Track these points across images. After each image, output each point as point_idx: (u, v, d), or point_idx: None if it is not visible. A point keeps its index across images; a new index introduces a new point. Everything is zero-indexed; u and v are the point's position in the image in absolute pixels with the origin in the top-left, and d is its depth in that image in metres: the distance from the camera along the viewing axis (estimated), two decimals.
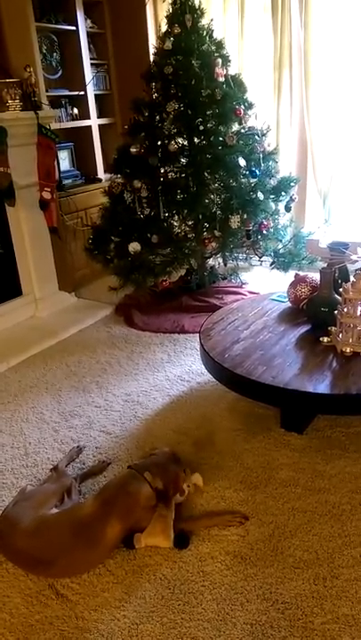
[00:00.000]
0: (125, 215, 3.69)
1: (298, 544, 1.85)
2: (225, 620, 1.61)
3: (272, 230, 3.81)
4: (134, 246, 3.55)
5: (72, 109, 4.47)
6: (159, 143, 3.63)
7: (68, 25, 4.23)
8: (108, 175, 4.26)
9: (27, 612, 1.68)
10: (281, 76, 4.26)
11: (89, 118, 4.55)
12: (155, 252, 3.66)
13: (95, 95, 4.60)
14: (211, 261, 4.27)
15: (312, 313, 2.63)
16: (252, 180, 3.67)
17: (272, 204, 3.80)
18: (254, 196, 3.61)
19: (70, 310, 4.07)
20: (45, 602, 1.71)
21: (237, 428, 2.50)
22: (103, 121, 4.75)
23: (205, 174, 3.62)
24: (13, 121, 3.46)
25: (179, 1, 3.52)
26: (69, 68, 4.43)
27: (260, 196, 3.63)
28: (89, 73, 4.45)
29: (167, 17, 3.60)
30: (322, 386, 2.17)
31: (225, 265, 4.38)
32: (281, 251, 3.93)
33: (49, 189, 3.71)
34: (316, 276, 2.72)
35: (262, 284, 4.24)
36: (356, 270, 2.47)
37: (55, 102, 4.28)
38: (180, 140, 3.61)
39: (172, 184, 3.62)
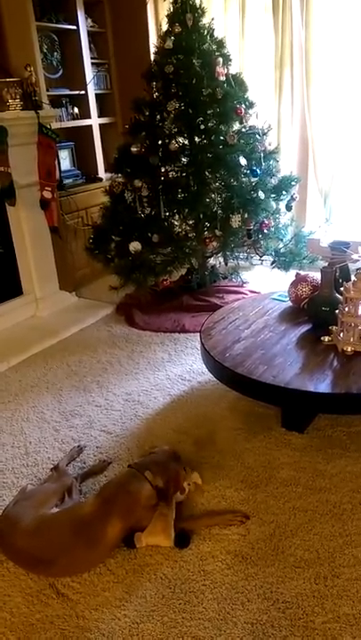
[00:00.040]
0: (126, 214, 3.69)
1: (299, 543, 1.85)
2: (226, 619, 1.61)
3: (273, 229, 3.81)
4: (135, 245, 3.55)
5: (73, 109, 4.47)
6: (160, 142, 3.63)
7: (69, 24, 4.23)
8: (109, 174, 4.26)
9: (27, 612, 1.68)
10: (282, 75, 4.25)
11: (89, 118, 4.54)
12: (155, 251, 3.66)
13: (96, 94, 4.60)
14: (211, 261, 4.27)
15: (313, 312, 2.62)
16: (253, 180, 3.67)
17: (273, 204, 3.80)
18: (255, 195, 3.60)
19: (71, 310, 4.07)
20: (46, 601, 1.71)
21: (238, 428, 2.50)
22: (104, 120, 4.75)
23: (206, 173, 3.62)
24: (14, 120, 3.45)
25: (179, 0, 3.51)
26: (70, 67, 4.43)
27: (261, 195, 3.62)
28: (89, 72, 4.45)
29: (168, 16, 3.60)
30: (323, 385, 2.17)
31: (226, 264, 4.38)
32: (282, 250, 3.93)
33: (49, 189, 3.71)
34: (317, 276, 2.72)
35: (263, 284, 4.24)
36: (357, 269, 2.46)
37: (56, 102, 4.28)
38: (180, 140, 3.60)
39: (173, 183, 3.62)
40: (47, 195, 3.70)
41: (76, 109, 4.48)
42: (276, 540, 1.87)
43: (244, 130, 3.71)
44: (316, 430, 2.44)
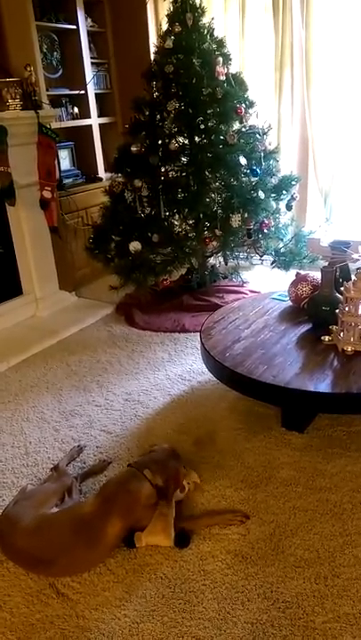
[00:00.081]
0: (126, 214, 3.69)
1: (299, 543, 1.85)
2: (226, 618, 1.61)
3: (273, 229, 3.81)
4: (135, 245, 3.55)
5: (72, 108, 4.47)
6: (160, 142, 3.63)
7: (69, 24, 4.23)
8: (109, 174, 4.26)
9: (27, 612, 1.68)
10: (282, 76, 4.25)
11: (89, 117, 4.54)
12: (155, 251, 3.66)
13: (96, 94, 4.60)
14: (212, 260, 4.26)
15: (313, 312, 2.62)
16: (253, 179, 3.67)
17: (273, 203, 3.80)
18: (255, 194, 3.60)
19: (71, 309, 4.07)
20: (46, 601, 1.71)
21: (238, 427, 2.50)
22: (104, 120, 4.75)
23: (206, 173, 3.62)
24: (14, 120, 3.45)
25: (179, 0, 3.51)
26: (70, 67, 4.42)
27: (261, 194, 3.62)
28: (89, 72, 4.45)
29: (168, 15, 3.60)
30: (323, 385, 2.16)
31: (226, 264, 4.38)
32: (282, 249, 3.93)
33: (49, 189, 3.71)
34: (317, 275, 2.72)
35: (263, 283, 4.24)
36: (357, 269, 2.46)
37: (55, 101, 4.28)
38: (180, 139, 3.60)
39: (173, 183, 3.62)
40: (47, 195, 3.70)
41: (75, 109, 4.48)
42: (276, 539, 1.87)
43: (244, 129, 3.71)
44: (316, 430, 2.43)
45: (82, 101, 4.48)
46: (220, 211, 3.65)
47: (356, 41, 3.92)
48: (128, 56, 4.62)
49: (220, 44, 3.62)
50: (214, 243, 3.65)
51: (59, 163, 4.11)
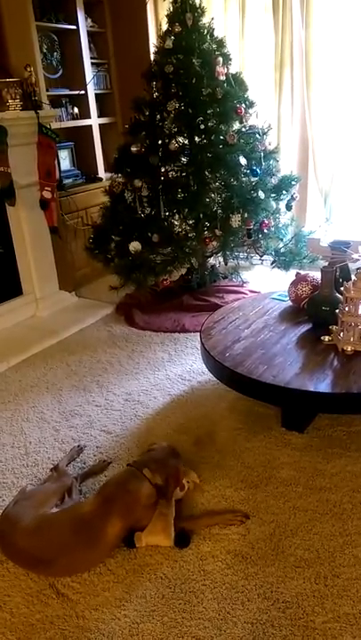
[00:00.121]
0: (126, 214, 3.69)
1: (299, 543, 1.85)
2: (226, 618, 1.61)
3: (273, 229, 3.81)
4: (135, 245, 3.55)
5: (72, 109, 4.47)
6: (160, 142, 3.63)
7: (69, 24, 4.23)
8: (109, 174, 4.25)
9: (27, 612, 1.68)
10: (282, 75, 4.25)
11: (89, 117, 4.54)
12: (155, 251, 3.66)
13: (96, 94, 4.60)
14: (211, 260, 4.26)
15: (313, 312, 2.62)
16: (253, 179, 3.67)
17: (273, 203, 3.80)
18: (255, 194, 3.60)
19: (71, 310, 4.07)
20: (46, 601, 1.71)
21: (238, 427, 2.50)
22: (104, 120, 4.75)
23: (206, 173, 3.62)
24: (14, 120, 3.45)
25: (179, 0, 3.51)
26: (70, 67, 4.43)
27: (261, 194, 3.62)
28: (89, 72, 4.45)
29: (168, 16, 3.59)
30: (323, 385, 2.16)
31: (226, 264, 4.38)
32: (282, 249, 3.93)
33: (49, 189, 3.71)
34: (317, 275, 2.72)
35: (263, 283, 4.24)
36: (357, 269, 2.46)
37: (55, 102, 4.28)
38: (180, 139, 3.60)
39: (173, 183, 3.62)
40: (47, 195, 3.70)
41: (75, 109, 4.48)
42: (276, 539, 1.87)
43: (244, 129, 3.71)
44: (316, 430, 2.43)
45: (82, 101, 4.48)
46: (220, 211, 3.65)
47: (356, 41, 3.92)
48: (128, 56, 4.62)
49: (220, 44, 3.62)
50: (214, 243, 3.65)
51: (59, 163, 4.11)
